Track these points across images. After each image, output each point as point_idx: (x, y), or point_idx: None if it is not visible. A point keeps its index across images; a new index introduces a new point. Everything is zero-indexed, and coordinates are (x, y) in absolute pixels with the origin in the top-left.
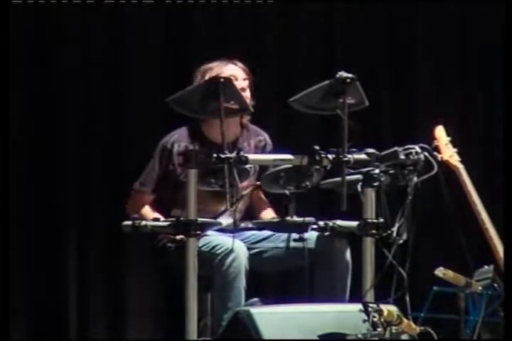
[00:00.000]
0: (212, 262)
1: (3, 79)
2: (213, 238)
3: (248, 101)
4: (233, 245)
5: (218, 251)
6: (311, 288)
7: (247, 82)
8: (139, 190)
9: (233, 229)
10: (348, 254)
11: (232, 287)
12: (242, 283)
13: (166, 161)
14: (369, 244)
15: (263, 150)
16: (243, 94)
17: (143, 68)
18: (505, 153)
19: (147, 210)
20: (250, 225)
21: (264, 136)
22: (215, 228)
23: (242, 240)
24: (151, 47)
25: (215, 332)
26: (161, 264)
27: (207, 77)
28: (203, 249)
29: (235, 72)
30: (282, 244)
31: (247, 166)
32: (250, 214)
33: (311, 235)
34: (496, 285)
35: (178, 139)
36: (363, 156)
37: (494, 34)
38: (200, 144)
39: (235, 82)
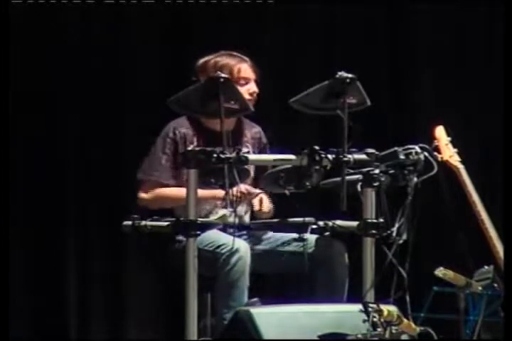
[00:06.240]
0: (216, 262)
1: (3, 79)
2: (217, 237)
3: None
4: (237, 245)
5: (223, 251)
6: (311, 289)
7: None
8: (148, 179)
9: (234, 228)
10: (346, 257)
11: (236, 287)
12: (245, 283)
13: (169, 148)
14: (369, 244)
15: (260, 141)
16: (253, 97)
17: (143, 68)
18: (505, 153)
19: (164, 190)
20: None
21: (259, 129)
22: (218, 227)
23: (245, 240)
24: (150, 47)
25: (216, 332)
26: (165, 264)
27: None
28: (206, 248)
29: (248, 74)
30: (281, 248)
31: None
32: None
33: (310, 239)
34: (495, 285)
35: (178, 126)
36: (363, 156)
37: (494, 34)
38: (199, 132)
39: (248, 86)
